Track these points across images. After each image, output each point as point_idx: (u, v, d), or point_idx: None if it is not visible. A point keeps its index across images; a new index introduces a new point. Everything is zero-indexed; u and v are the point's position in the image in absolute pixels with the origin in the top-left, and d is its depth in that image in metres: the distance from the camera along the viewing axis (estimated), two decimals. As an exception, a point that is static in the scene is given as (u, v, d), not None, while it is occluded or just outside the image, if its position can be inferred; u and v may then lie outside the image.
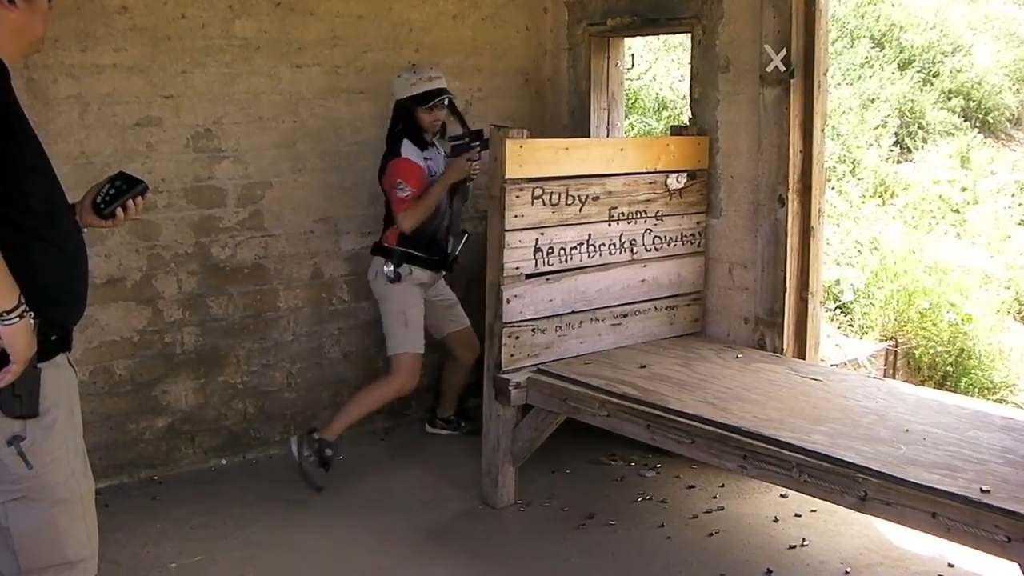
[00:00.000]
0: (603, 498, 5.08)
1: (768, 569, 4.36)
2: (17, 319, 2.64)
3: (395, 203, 5.18)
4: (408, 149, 5.22)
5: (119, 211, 3.05)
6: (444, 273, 5.51)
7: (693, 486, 5.20)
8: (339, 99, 5.68)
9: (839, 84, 10.70)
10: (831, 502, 3.89)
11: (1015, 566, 3.37)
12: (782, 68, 5.08)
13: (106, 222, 3.08)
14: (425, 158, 5.30)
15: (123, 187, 3.06)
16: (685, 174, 5.43)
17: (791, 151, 5.11)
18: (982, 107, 11.83)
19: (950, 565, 4.35)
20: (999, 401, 6.82)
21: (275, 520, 4.84)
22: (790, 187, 5.13)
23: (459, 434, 5.89)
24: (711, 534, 4.71)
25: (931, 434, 4.02)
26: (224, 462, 5.52)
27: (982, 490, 3.43)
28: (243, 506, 5.00)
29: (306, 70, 5.57)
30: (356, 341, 5.89)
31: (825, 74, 5.22)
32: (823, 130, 5.24)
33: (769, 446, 3.95)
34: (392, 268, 5.21)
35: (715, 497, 5.07)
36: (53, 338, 2.83)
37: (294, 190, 5.59)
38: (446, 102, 5.35)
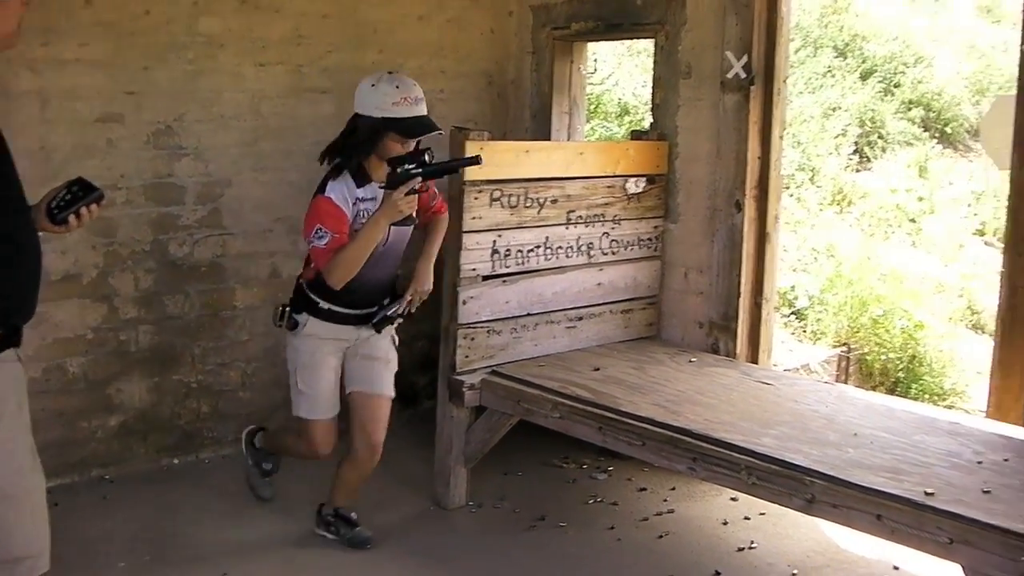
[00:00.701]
0: (555, 500, 5.10)
1: (716, 571, 4.39)
2: (-37, 314, 2.63)
3: (313, 254, 4.20)
4: (335, 187, 4.14)
5: (72, 218, 3.03)
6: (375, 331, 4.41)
7: (644, 489, 5.23)
8: (302, 98, 5.66)
9: (801, 93, 10.80)
10: (779, 504, 3.94)
11: (958, 567, 3.42)
12: (743, 75, 5.13)
13: (59, 228, 3.06)
14: (359, 199, 4.18)
15: (79, 193, 3.04)
16: (644, 179, 5.47)
17: (749, 157, 5.17)
18: (941, 118, 12.00)
19: (895, 568, 4.41)
20: (948, 407, 6.91)
21: (227, 520, 4.83)
22: (747, 193, 5.19)
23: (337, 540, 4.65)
24: (661, 536, 4.74)
25: (879, 438, 4.08)
26: (177, 461, 5.49)
27: (926, 493, 3.50)
28: (195, 506, 4.97)
29: (269, 68, 5.54)
30: (313, 341, 5.87)
31: (785, 81, 5.27)
32: (781, 137, 5.31)
33: (719, 448, 3.99)
34: (286, 312, 4.40)
35: (666, 500, 5.11)
36: (0, 334, 2.83)
37: (254, 189, 5.57)
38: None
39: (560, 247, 5.19)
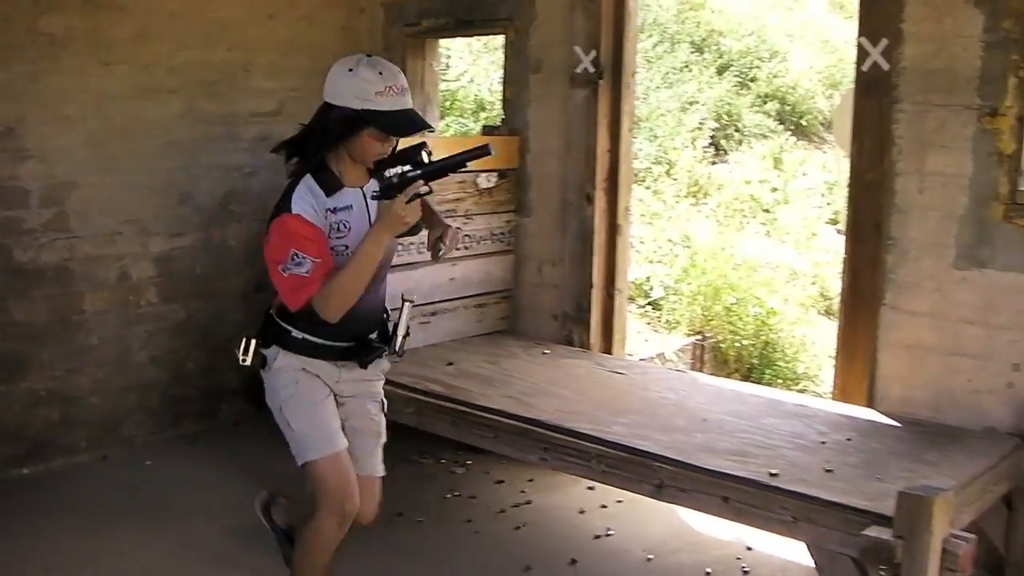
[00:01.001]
0: (412, 496, 5.09)
1: (573, 559, 4.45)
2: None
3: (288, 284, 3.25)
4: (302, 199, 3.27)
5: None
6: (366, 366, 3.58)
7: (502, 481, 5.28)
8: (149, 98, 5.57)
9: (658, 87, 10.97)
10: (629, 491, 4.04)
11: (803, 545, 3.55)
12: (591, 69, 5.22)
13: None
14: (331, 209, 3.32)
15: None
16: (495, 173, 5.52)
17: (599, 151, 5.27)
18: (796, 111, 12.30)
19: (749, 548, 4.53)
20: (801, 391, 7.09)
21: (80, 529, 4.71)
22: (597, 186, 5.28)
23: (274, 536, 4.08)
24: (518, 527, 4.79)
25: (727, 422, 4.19)
26: (27, 471, 5.33)
27: (771, 474, 3.61)
28: (47, 516, 4.84)
29: (115, 68, 5.45)
30: (164, 344, 5.77)
31: (633, 76, 5.38)
32: (631, 130, 5.42)
33: (569, 438, 4.06)
34: (252, 346, 3.52)
35: (523, 491, 5.16)
36: None
37: (101, 191, 5.46)
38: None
39: (411, 242, 5.17)
